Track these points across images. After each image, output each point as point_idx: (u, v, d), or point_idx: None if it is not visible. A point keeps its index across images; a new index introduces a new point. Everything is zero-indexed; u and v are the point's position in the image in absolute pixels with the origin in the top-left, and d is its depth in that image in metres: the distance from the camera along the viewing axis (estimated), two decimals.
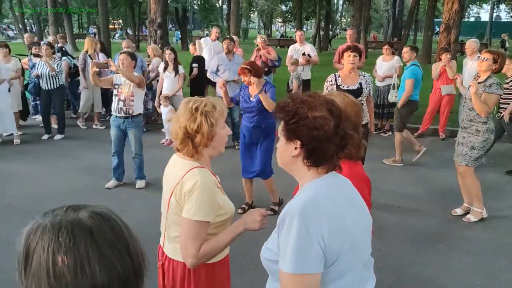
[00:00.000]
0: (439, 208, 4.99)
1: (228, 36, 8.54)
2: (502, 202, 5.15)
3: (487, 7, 48.30)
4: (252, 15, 56.00)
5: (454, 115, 8.00)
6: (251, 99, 4.57)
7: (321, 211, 1.34)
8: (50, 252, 0.77)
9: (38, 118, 8.61)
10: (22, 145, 7.37)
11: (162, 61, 8.28)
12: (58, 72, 7.48)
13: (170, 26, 44.48)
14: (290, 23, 45.22)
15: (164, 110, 7.43)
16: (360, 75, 4.63)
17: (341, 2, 51.98)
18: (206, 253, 1.83)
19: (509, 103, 5.89)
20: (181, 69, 7.61)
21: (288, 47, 9.54)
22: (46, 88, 7.51)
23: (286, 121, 1.43)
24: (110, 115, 5.80)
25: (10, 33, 45.51)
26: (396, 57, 8.09)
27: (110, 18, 31.95)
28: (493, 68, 4.36)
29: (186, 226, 1.82)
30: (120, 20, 48.51)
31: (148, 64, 8.52)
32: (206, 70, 8.62)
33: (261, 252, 1.47)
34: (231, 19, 18.35)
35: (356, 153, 2.01)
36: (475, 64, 5.14)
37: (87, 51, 8.26)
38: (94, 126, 8.59)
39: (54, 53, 7.75)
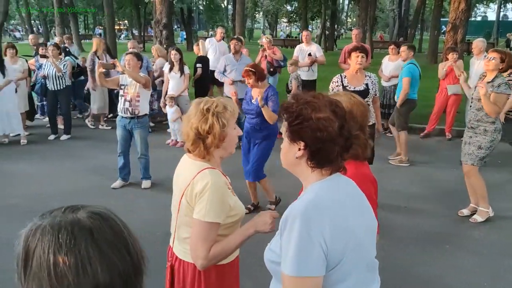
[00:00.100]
0: (445, 208, 4.96)
1: (235, 37, 8.53)
2: (509, 203, 5.11)
3: (494, 6, 48.00)
4: (257, 15, 56.00)
5: (461, 115, 7.94)
6: (252, 101, 4.57)
7: (323, 213, 1.32)
8: (50, 253, 0.77)
9: (45, 118, 8.67)
10: (29, 145, 7.42)
11: (166, 61, 8.31)
12: (64, 72, 7.53)
13: (175, 26, 44.58)
14: (295, 23, 45.19)
15: (170, 111, 7.44)
16: (366, 76, 4.61)
17: (346, 2, 51.90)
18: (216, 255, 1.82)
19: None
20: (186, 69, 7.62)
21: (293, 47, 9.52)
22: (53, 89, 7.56)
23: (289, 122, 1.42)
24: (116, 115, 5.82)
25: (17, 34, 45.84)
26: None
27: (116, 19, 32.08)
28: (500, 67, 4.34)
29: (197, 227, 1.82)
30: (126, 21, 48.72)
31: (152, 65, 8.55)
32: (211, 71, 8.65)
33: (265, 253, 1.46)
34: (236, 19, 18.33)
35: (363, 153, 2.01)
36: (482, 64, 5.11)
37: (95, 52, 8.29)
38: (100, 127, 8.62)
39: (60, 54, 7.79)
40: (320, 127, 1.36)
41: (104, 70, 5.34)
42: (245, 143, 4.77)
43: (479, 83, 4.45)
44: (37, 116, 9.14)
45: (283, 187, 4.76)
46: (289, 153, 1.46)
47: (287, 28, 60.47)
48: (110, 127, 8.36)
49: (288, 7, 43.50)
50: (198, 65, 8.57)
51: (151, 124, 8.55)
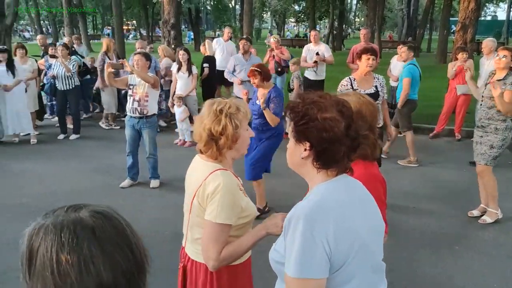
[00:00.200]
0: (454, 209, 4.93)
1: (244, 37, 8.54)
2: None
3: (504, 5, 47.52)
4: (265, 15, 55.99)
5: (471, 116, 7.88)
6: (257, 101, 4.58)
7: (328, 215, 1.31)
8: (53, 252, 0.78)
9: (54, 118, 8.74)
10: (38, 145, 7.48)
11: (172, 61, 8.34)
12: (73, 72, 7.58)
13: (183, 26, 44.76)
14: (303, 23, 45.10)
15: (178, 111, 7.47)
16: (374, 78, 4.59)
17: (354, 2, 51.70)
18: (228, 256, 1.82)
19: None
20: (194, 69, 7.64)
21: (301, 47, 9.52)
22: (62, 89, 7.61)
23: (295, 122, 1.41)
24: (125, 115, 5.85)
25: (26, 35, 46.27)
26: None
27: (124, 19, 32.26)
28: (511, 65, 4.30)
29: (208, 228, 1.82)
30: (134, 21, 48.99)
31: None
32: (217, 70, 8.68)
33: (270, 254, 1.45)
34: (244, 19, 18.35)
35: (372, 153, 2.00)
36: (493, 63, 5.06)
37: (105, 52, 8.34)
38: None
39: (69, 54, 7.84)
40: (326, 127, 1.34)
41: (113, 70, 5.37)
42: (251, 143, 4.76)
43: (490, 81, 4.41)
44: (46, 115, 9.23)
45: (289, 187, 4.75)
46: (295, 154, 1.44)
47: (295, 28, 60.36)
48: (118, 127, 8.41)
49: (296, 7, 43.43)
50: (205, 65, 8.60)
51: (163, 125, 8.59)
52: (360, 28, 17.51)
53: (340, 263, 1.30)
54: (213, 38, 13.06)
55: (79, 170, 6.20)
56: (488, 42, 7.32)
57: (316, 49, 8.12)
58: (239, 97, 4.84)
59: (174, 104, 7.57)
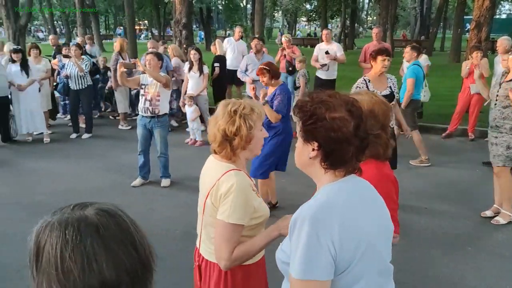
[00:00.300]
0: (467, 210, 4.87)
1: (257, 36, 8.54)
2: None
3: None
4: (276, 14, 55.89)
5: (485, 115, 7.77)
6: (260, 100, 4.58)
7: (333, 216, 1.29)
8: (58, 249, 0.79)
9: (66, 117, 8.83)
10: (51, 144, 7.57)
11: (182, 61, 8.37)
12: (86, 72, 7.65)
13: (194, 26, 44.91)
14: (314, 22, 44.92)
15: (189, 110, 7.49)
16: (388, 78, 4.57)
17: (366, 0, 51.33)
18: (240, 256, 1.83)
19: None
20: (205, 69, 7.66)
21: (312, 47, 9.48)
22: (75, 88, 7.70)
23: (303, 121, 1.39)
24: (136, 114, 5.89)
25: (40, 35, 46.81)
26: (424, 56, 7.92)
27: (136, 19, 32.47)
28: None
29: (220, 228, 1.83)
30: (146, 21, 49.28)
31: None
32: (228, 70, 8.69)
33: (276, 253, 1.44)
34: (255, 18, 18.34)
35: (384, 153, 1.98)
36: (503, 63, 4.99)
37: (119, 52, 8.39)
38: (120, 126, 8.73)
39: (82, 54, 7.92)
40: (334, 127, 1.32)
41: (125, 69, 5.41)
42: None
43: (503, 80, 4.35)
44: (59, 115, 9.33)
45: (300, 186, 4.73)
46: (303, 153, 1.42)
47: (306, 27, 60.14)
48: (130, 127, 8.46)
49: (308, 6, 43.27)
50: (216, 64, 8.61)
51: (175, 125, 8.62)
52: (372, 27, 17.39)
53: (346, 264, 1.28)
54: (224, 37, 13.10)
55: (91, 169, 6.26)
56: (503, 41, 7.22)
57: (328, 48, 8.07)
58: (251, 97, 4.84)
59: (185, 104, 7.60)
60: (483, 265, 3.79)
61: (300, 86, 7.72)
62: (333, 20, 44.16)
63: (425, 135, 7.79)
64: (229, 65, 8.83)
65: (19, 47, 8.24)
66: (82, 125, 8.14)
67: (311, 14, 41.64)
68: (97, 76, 9.06)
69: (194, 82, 7.61)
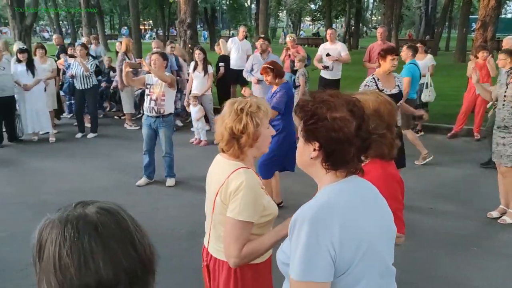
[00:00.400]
0: (472, 210, 4.85)
1: (262, 36, 8.54)
2: None
3: None
4: (280, 14, 55.82)
5: (486, 115, 7.74)
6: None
7: (333, 217, 1.28)
8: (56, 246, 0.79)
9: (72, 117, 8.87)
10: (57, 143, 7.61)
11: (184, 61, 8.38)
12: (91, 72, 7.69)
13: (199, 26, 44.95)
14: (319, 21, 44.85)
15: (193, 110, 7.50)
16: (395, 77, 4.58)
17: (371, 0, 51.17)
18: (249, 254, 1.84)
19: None
20: (210, 69, 7.67)
21: (317, 46, 9.48)
22: (80, 88, 7.73)
23: (304, 121, 1.37)
24: (142, 113, 5.91)
25: (46, 35, 47.01)
26: (429, 56, 7.89)
27: (141, 19, 32.53)
28: None
29: (230, 225, 1.84)
30: (151, 21, 49.36)
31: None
32: (232, 70, 8.69)
33: (277, 254, 1.43)
34: (260, 18, 18.33)
35: (389, 152, 1.97)
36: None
37: (125, 52, 8.41)
38: (126, 126, 8.76)
39: (87, 54, 7.95)
40: (335, 127, 1.31)
41: (131, 69, 5.43)
42: None
43: (510, 80, 4.33)
44: (65, 114, 9.37)
45: (304, 186, 4.73)
46: (304, 153, 1.41)
47: (311, 27, 60.06)
48: (138, 127, 8.48)
49: (312, 6, 43.20)
50: (221, 64, 8.62)
51: (180, 125, 8.63)
52: (377, 26, 17.34)
53: (346, 266, 1.27)
54: (228, 37, 13.11)
55: (96, 168, 6.28)
56: (509, 40, 7.19)
57: (333, 48, 8.06)
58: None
59: (189, 103, 7.61)
60: (488, 265, 3.78)
61: (299, 85, 7.71)
62: (337, 20, 44.06)
63: (430, 135, 7.80)
64: (233, 65, 8.84)
65: (25, 47, 8.29)
66: (87, 124, 8.18)
67: (316, 13, 41.57)
68: (99, 77, 9.06)
69: (198, 82, 7.62)
